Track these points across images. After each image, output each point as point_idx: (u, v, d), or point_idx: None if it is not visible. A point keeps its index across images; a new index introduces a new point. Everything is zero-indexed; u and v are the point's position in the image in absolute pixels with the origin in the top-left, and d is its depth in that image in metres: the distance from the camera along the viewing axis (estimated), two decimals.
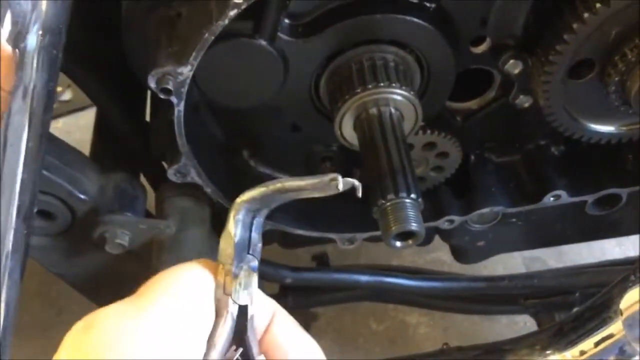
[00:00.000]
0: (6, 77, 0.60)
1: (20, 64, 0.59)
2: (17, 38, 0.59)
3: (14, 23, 0.58)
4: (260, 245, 0.53)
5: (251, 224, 0.52)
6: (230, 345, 0.50)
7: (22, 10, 0.58)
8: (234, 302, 0.49)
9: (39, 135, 0.61)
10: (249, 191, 0.52)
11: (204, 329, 0.48)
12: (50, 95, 0.61)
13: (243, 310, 0.50)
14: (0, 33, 0.59)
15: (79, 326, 0.45)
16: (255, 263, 0.52)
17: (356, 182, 0.52)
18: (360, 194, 0.52)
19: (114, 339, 0.43)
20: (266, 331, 0.52)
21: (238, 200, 0.51)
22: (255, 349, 0.50)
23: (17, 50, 0.58)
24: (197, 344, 0.47)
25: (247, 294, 0.51)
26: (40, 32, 0.59)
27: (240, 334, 0.50)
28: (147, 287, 0.48)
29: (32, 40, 0.59)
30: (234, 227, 0.50)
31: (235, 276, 0.50)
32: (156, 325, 0.45)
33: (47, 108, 0.61)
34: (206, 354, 0.48)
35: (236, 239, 0.50)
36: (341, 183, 0.51)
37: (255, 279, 0.52)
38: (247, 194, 0.51)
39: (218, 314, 0.49)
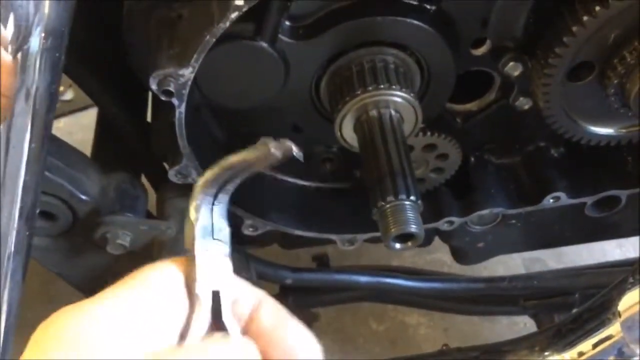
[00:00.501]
0: (6, 83, 0.61)
1: (22, 66, 0.59)
2: (20, 40, 0.59)
3: (17, 26, 0.59)
4: (227, 230, 0.51)
5: (212, 210, 0.51)
6: (207, 333, 0.49)
7: (25, 13, 0.59)
8: (202, 288, 0.48)
9: (41, 137, 0.61)
10: (201, 176, 0.52)
11: (170, 318, 0.47)
12: (52, 97, 0.62)
13: (215, 296, 0.49)
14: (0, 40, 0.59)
15: (40, 325, 0.45)
16: (224, 247, 0.51)
17: (292, 145, 0.52)
18: (301, 158, 0.52)
19: (69, 334, 0.43)
20: (252, 318, 0.50)
21: (195, 187, 0.51)
22: (236, 333, 0.49)
23: (19, 54, 0.59)
24: (161, 333, 0.46)
25: (216, 279, 0.49)
26: (43, 35, 0.59)
27: (216, 320, 0.49)
28: (110, 287, 0.48)
29: (35, 42, 0.59)
30: (195, 213, 0.50)
31: (201, 262, 0.49)
32: (115, 317, 0.44)
33: (50, 110, 0.62)
34: (179, 343, 0.47)
35: (197, 225, 0.50)
36: (273, 148, 0.51)
37: (227, 263, 0.51)
38: (201, 180, 0.51)
39: (190, 303, 0.49)
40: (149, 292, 0.47)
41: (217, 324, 0.49)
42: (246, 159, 0.52)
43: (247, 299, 0.50)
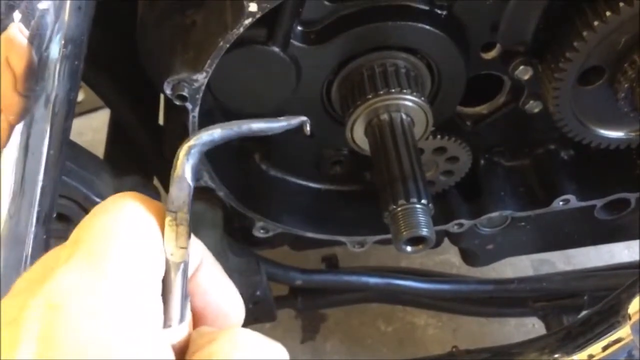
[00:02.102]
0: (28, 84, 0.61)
1: (42, 73, 0.60)
2: (39, 48, 0.60)
3: (37, 33, 0.60)
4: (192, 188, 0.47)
5: (196, 166, 0.47)
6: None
7: (45, 21, 0.60)
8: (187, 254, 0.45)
9: (59, 143, 0.62)
10: (206, 133, 0.46)
11: (157, 284, 0.44)
12: (71, 104, 0.63)
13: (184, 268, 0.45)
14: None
15: (38, 304, 0.39)
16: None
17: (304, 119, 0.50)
18: (308, 131, 0.50)
19: (85, 325, 0.39)
20: (192, 277, 0.47)
21: (192, 142, 0.46)
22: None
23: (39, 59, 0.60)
24: (155, 301, 0.43)
25: (190, 244, 0.46)
26: (63, 42, 0.60)
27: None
28: (91, 236, 0.43)
29: (55, 49, 0.60)
30: (189, 173, 0.46)
31: (189, 224, 0.45)
32: (118, 301, 0.40)
33: (68, 116, 0.63)
34: (165, 312, 0.44)
35: (192, 185, 0.45)
36: (305, 124, 0.50)
37: (201, 246, 0.48)
38: (204, 137, 0.46)
39: (170, 268, 0.45)
40: (139, 254, 0.43)
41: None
42: (267, 129, 0.49)
43: (194, 257, 0.47)
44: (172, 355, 0.42)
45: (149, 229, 0.44)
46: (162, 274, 0.44)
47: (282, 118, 0.50)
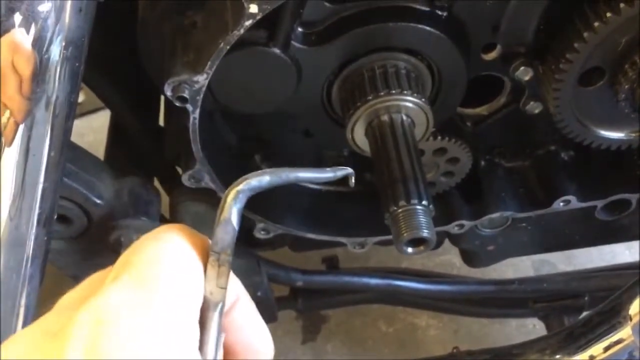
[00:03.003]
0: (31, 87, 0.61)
1: (43, 75, 0.60)
2: (40, 50, 0.60)
3: (38, 35, 0.60)
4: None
5: (242, 210, 0.48)
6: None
7: (46, 24, 0.60)
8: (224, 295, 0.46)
9: (60, 145, 0.62)
10: (255, 178, 0.48)
11: (197, 314, 0.45)
12: (72, 106, 0.63)
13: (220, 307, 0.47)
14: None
15: (85, 319, 0.40)
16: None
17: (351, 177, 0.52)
18: (352, 183, 0.52)
19: (131, 340, 0.40)
20: (228, 311, 0.49)
21: (241, 187, 0.48)
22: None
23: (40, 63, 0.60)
24: (195, 330, 0.45)
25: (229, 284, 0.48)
26: (64, 45, 0.60)
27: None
28: (140, 259, 0.44)
29: (55, 52, 0.60)
30: (235, 216, 0.47)
31: (228, 267, 0.47)
32: (165, 321, 0.42)
33: (69, 118, 0.63)
34: (201, 347, 0.45)
35: (237, 228, 0.47)
36: (350, 176, 0.52)
37: (239, 286, 0.50)
38: (253, 183, 0.48)
39: (209, 306, 0.46)
40: (182, 287, 0.44)
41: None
42: (316, 179, 0.52)
43: (231, 294, 0.49)
44: None
45: (194, 262, 0.46)
46: (200, 307, 0.46)
47: (329, 169, 0.52)
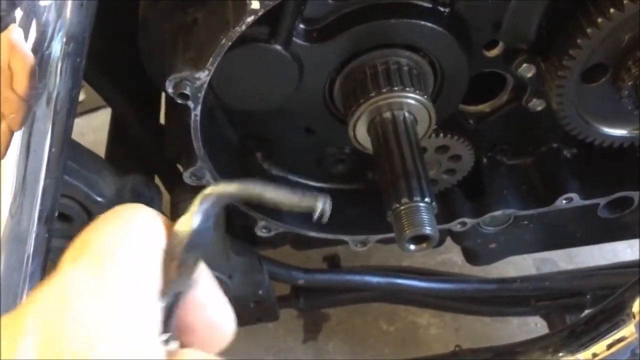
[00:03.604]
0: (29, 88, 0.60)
1: (44, 71, 0.60)
2: (41, 45, 0.60)
3: (39, 31, 0.59)
4: (211, 234, 0.49)
5: (208, 217, 0.48)
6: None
7: (47, 19, 0.59)
8: (172, 290, 0.46)
9: (61, 142, 0.62)
10: (222, 185, 0.48)
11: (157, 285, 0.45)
12: (73, 102, 0.62)
13: (177, 295, 0.47)
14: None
15: (43, 305, 0.39)
16: (200, 252, 0.48)
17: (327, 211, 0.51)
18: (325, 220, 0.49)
19: (88, 327, 0.39)
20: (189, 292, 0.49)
21: (207, 191, 0.48)
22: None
23: (41, 59, 0.59)
24: (153, 317, 0.43)
25: (186, 283, 0.47)
26: (65, 40, 0.60)
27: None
28: (97, 246, 0.43)
29: (57, 47, 0.60)
30: (197, 216, 0.47)
31: (181, 265, 0.47)
32: (125, 306, 0.41)
33: (70, 115, 0.62)
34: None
35: (194, 227, 0.47)
36: (327, 212, 0.50)
37: (200, 266, 0.49)
38: (219, 189, 0.48)
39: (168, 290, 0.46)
40: (139, 269, 0.43)
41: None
42: (285, 204, 0.49)
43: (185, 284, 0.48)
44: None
45: (155, 245, 0.45)
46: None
47: (302, 195, 0.49)
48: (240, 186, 0.48)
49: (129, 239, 0.44)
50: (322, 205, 0.49)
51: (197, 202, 0.48)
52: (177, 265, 0.47)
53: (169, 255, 0.46)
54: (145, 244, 0.45)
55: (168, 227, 0.47)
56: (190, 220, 0.47)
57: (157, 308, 0.44)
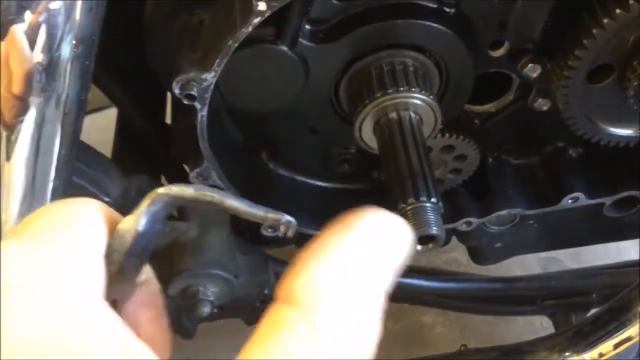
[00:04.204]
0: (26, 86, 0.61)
1: (53, 73, 0.60)
2: (51, 48, 0.60)
3: (49, 33, 0.60)
4: (156, 238, 0.47)
5: (158, 217, 0.46)
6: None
7: (57, 21, 0.60)
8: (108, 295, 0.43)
9: (70, 143, 0.62)
10: (178, 188, 0.46)
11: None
12: (82, 104, 0.63)
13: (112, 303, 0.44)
14: None
15: None
16: (144, 256, 0.46)
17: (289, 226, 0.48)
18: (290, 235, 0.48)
19: (27, 300, 0.38)
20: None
21: (161, 190, 0.46)
22: None
23: (49, 61, 0.60)
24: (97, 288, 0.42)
25: (125, 288, 0.46)
26: (74, 42, 0.60)
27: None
28: (40, 222, 0.43)
29: (66, 50, 0.60)
30: (143, 218, 0.45)
31: (121, 269, 0.44)
32: (67, 280, 0.40)
33: (79, 116, 0.63)
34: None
35: (140, 229, 0.45)
36: (293, 226, 0.48)
37: (144, 272, 0.48)
38: (175, 191, 0.45)
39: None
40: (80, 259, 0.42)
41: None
42: (246, 215, 0.47)
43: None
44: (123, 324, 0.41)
45: (99, 225, 0.44)
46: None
47: (261, 209, 0.48)
48: (198, 192, 0.46)
49: (73, 217, 0.43)
50: (287, 219, 0.48)
51: (146, 201, 0.45)
52: (116, 270, 0.44)
53: (108, 259, 0.44)
54: (89, 221, 0.43)
55: (114, 224, 0.45)
56: (137, 221, 0.44)
57: (99, 267, 0.42)
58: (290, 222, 0.49)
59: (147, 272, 0.50)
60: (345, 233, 0.44)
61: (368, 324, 0.42)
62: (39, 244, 0.41)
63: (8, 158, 0.61)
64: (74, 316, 0.39)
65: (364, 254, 0.43)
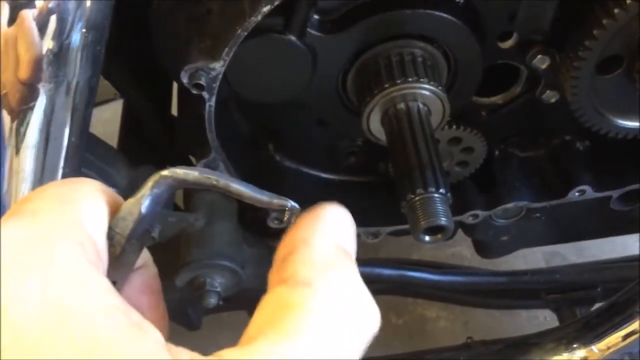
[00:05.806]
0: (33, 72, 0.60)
1: (64, 60, 0.60)
2: (61, 34, 0.60)
3: (59, 20, 0.59)
4: (155, 221, 0.46)
5: (160, 200, 0.45)
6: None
7: (67, 8, 0.59)
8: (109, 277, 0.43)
9: (80, 131, 0.62)
10: (182, 170, 0.45)
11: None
12: (92, 92, 0.63)
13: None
14: None
15: None
16: (145, 239, 0.46)
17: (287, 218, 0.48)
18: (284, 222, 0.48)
19: (26, 276, 0.37)
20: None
21: (165, 173, 0.45)
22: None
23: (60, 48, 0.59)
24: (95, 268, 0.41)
25: (124, 271, 0.46)
26: (84, 30, 0.60)
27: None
28: (37, 199, 0.42)
29: (76, 37, 0.60)
30: (146, 199, 0.44)
31: (124, 250, 0.44)
32: (66, 257, 0.39)
33: (89, 104, 0.62)
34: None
35: (143, 211, 0.44)
36: (295, 216, 0.47)
37: (143, 255, 0.48)
38: (178, 173, 0.45)
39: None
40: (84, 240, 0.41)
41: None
42: (250, 199, 0.47)
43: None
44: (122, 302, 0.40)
45: (99, 203, 0.43)
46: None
47: (267, 194, 0.48)
48: (202, 175, 0.45)
49: (73, 195, 0.42)
50: (292, 205, 0.48)
51: (149, 183, 0.44)
52: (117, 252, 0.43)
53: (110, 241, 0.43)
54: (89, 198, 0.42)
55: (116, 206, 0.44)
56: (139, 202, 0.43)
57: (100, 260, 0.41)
58: (295, 208, 0.48)
59: (144, 256, 0.49)
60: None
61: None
62: (39, 221, 0.40)
63: (17, 151, 0.61)
64: (77, 293, 0.37)
65: None
